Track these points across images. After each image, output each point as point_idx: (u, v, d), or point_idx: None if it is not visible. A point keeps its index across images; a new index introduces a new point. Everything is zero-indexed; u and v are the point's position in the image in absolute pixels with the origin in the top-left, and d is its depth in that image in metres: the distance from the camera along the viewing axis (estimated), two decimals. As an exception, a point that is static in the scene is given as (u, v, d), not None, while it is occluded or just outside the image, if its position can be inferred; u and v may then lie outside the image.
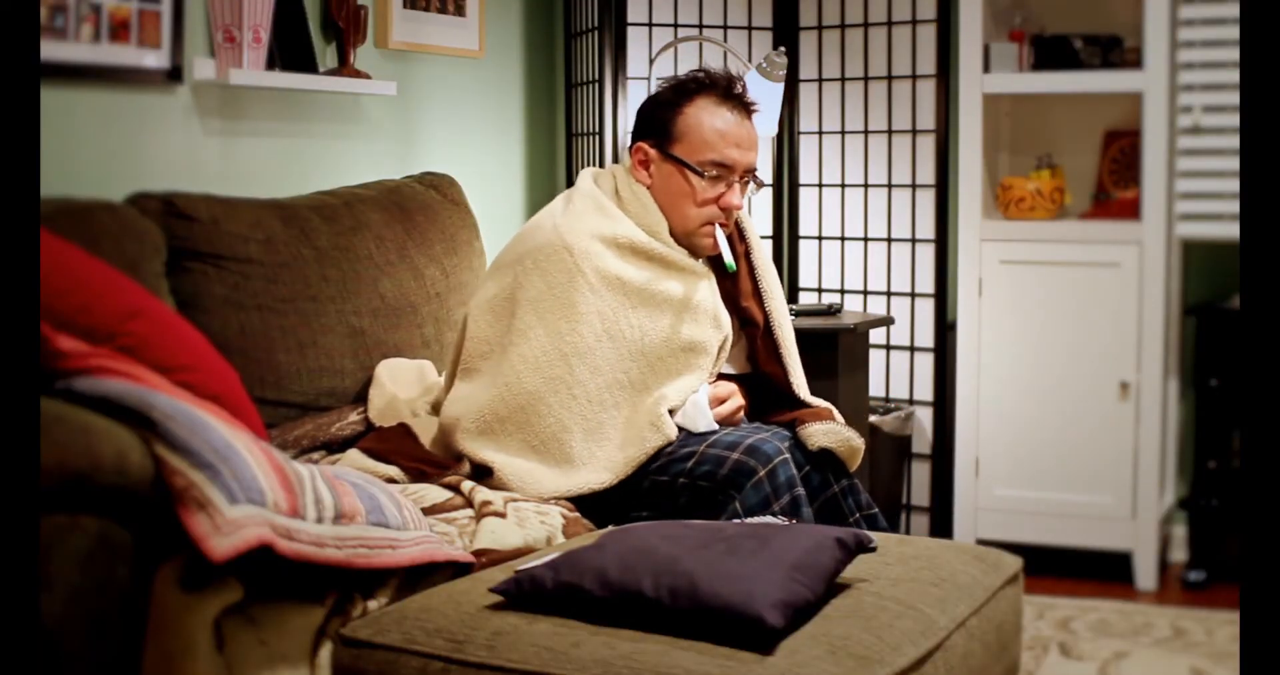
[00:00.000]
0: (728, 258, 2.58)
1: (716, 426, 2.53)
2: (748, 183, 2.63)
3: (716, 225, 2.59)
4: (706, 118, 2.58)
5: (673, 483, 2.43)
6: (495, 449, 2.47)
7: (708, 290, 2.61)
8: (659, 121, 2.62)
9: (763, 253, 2.75)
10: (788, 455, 2.39)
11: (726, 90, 2.61)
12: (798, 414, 2.61)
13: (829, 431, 2.52)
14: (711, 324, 2.59)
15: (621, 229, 2.56)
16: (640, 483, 2.46)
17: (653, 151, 2.61)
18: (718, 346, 2.60)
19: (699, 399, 2.53)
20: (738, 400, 2.62)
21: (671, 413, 2.51)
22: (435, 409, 2.69)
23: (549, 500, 2.42)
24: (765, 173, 4.17)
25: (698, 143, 2.57)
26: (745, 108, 2.62)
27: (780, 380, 2.70)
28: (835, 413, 2.64)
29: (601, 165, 3.79)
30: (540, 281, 2.52)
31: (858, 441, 2.55)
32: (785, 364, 2.69)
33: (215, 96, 2.98)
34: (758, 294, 2.71)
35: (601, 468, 2.46)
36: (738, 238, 2.73)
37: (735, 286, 2.71)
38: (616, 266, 2.53)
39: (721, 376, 2.72)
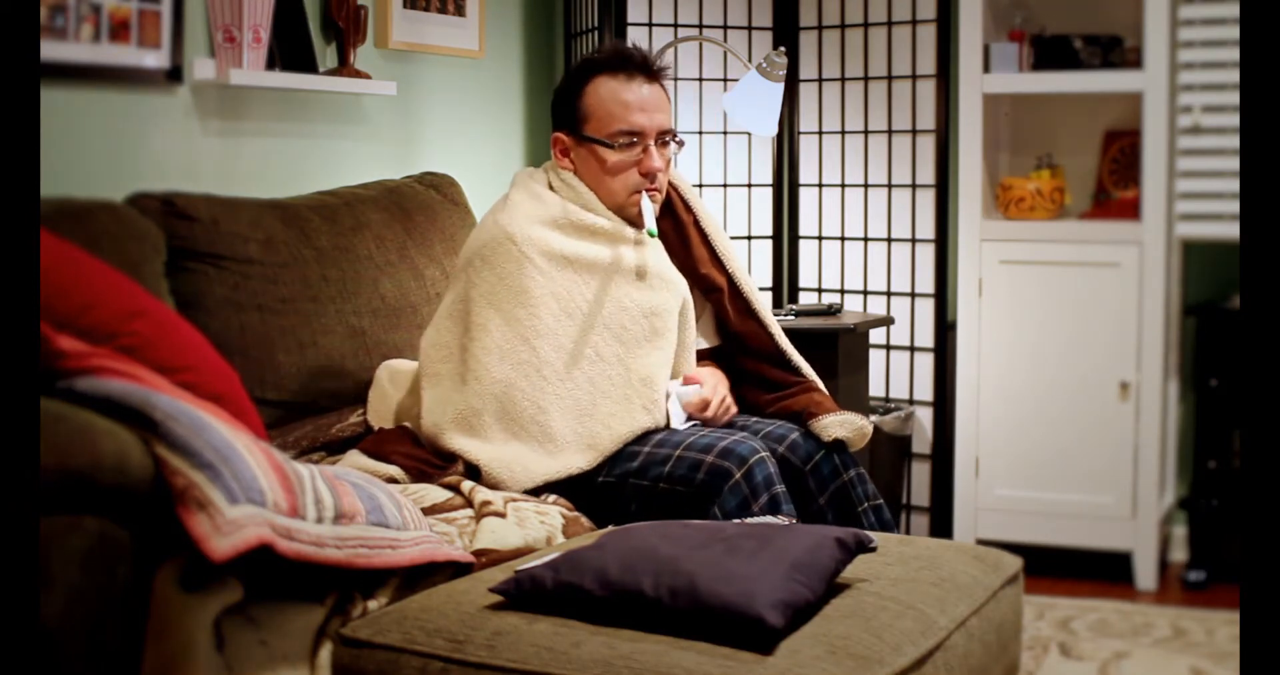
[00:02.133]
0: (649, 224, 2.59)
1: (694, 421, 2.57)
2: (667, 144, 2.64)
3: (644, 194, 2.61)
4: (606, 92, 2.60)
5: (653, 487, 2.43)
6: (479, 443, 2.48)
7: (655, 255, 2.64)
8: (566, 108, 2.65)
9: (711, 217, 2.79)
10: (764, 454, 2.39)
11: (620, 62, 2.62)
12: (805, 405, 2.63)
13: (844, 422, 2.59)
14: (665, 287, 2.61)
15: (558, 209, 2.59)
16: (623, 487, 2.46)
17: (568, 139, 2.65)
18: (677, 309, 2.62)
19: (674, 408, 2.55)
20: (726, 402, 2.64)
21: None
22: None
23: (545, 497, 2.42)
24: (765, 173, 4.18)
25: (604, 117, 2.60)
26: (646, 72, 2.63)
27: (757, 337, 2.73)
28: (820, 384, 2.71)
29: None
30: (490, 275, 2.54)
31: (868, 428, 2.63)
32: (761, 319, 2.73)
33: (215, 96, 2.98)
34: (715, 258, 2.75)
35: (585, 446, 2.47)
36: (682, 207, 2.77)
37: (691, 254, 2.74)
38: (561, 244, 2.56)
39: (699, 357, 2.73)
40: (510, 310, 2.52)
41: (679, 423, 2.55)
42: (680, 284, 2.65)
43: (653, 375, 2.53)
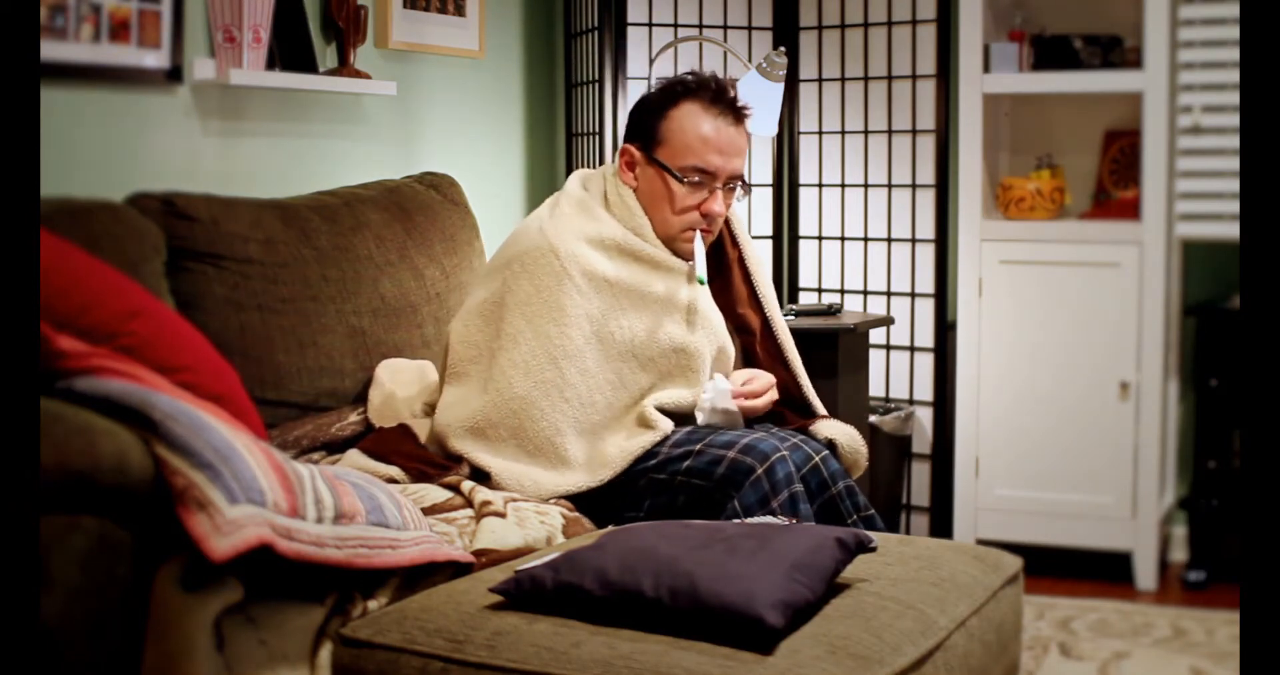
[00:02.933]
0: (700, 271, 2.56)
1: (733, 408, 2.53)
2: (733, 189, 2.61)
3: (698, 233, 2.58)
4: (690, 123, 2.57)
5: (670, 481, 2.43)
6: (490, 453, 2.48)
7: (700, 294, 2.61)
8: (645, 124, 2.61)
9: (757, 257, 2.75)
10: (785, 453, 2.39)
11: (715, 95, 2.58)
12: (809, 422, 2.64)
13: (847, 433, 2.58)
14: (703, 326, 2.58)
15: (607, 230, 2.56)
16: (637, 481, 2.46)
17: (638, 154, 2.61)
18: (709, 348, 2.59)
19: (722, 385, 2.53)
20: (773, 394, 2.62)
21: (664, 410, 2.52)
22: (433, 411, 2.70)
23: (548, 499, 2.42)
24: (765, 173, 4.17)
25: (680, 148, 2.56)
26: (734, 112, 2.60)
27: (784, 384, 2.70)
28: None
29: (601, 165, 3.79)
30: (528, 285, 2.52)
31: (864, 459, 2.61)
32: (792, 369, 2.71)
33: (215, 96, 2.98)
34: (754, 299, 2.71)
35: (597, 465, 2.47)
36: (730, 242, 2.73)
37: (730, 292, 2.71)
38: (603, 267, 2.53)
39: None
40: (542, 326, 2.50)
41: (723, 404, 2.52)
42: (719, 326, 2.62)
43: (662, 398, 2.51)
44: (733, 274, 2.72)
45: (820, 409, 2.72)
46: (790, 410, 2.71)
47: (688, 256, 2.60)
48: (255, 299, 2.65)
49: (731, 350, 2.63)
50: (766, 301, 2.72)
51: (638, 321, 2.53)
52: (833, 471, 2.48)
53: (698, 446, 2.43)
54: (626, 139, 2.65)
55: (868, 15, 4.05)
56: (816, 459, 2.47)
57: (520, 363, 2.49)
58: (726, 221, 2.71)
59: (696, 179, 2.56)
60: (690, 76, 2.63)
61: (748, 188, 2.66)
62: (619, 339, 2.52)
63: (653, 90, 2.66)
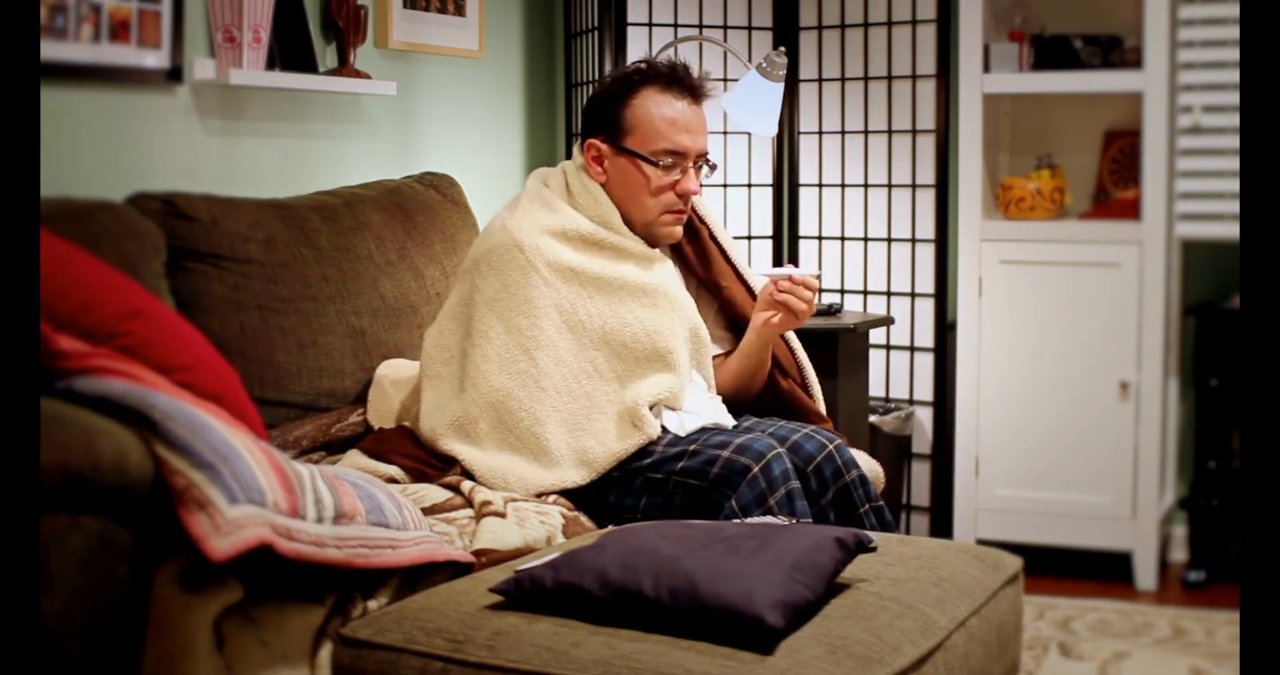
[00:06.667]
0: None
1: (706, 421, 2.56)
2: (700, 168, 2.64)
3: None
4: (654, 107, 2.59)
5: (666, 481, 2.43)
6: (475, 449, 2.48)
7: (665, 275, 2.63)
8: (607, 116, 2.62)
9: (725, 231, 2.80)
10: (781, 450, 2.40)
11: (670, 78, 2.61)
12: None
13: (867, 464, 2.65)
14: (672, 308, 2.60)
15: (570, 221, 2.58)
16: (633, 480, 2.46)
17: (605, 147, 2.62)
18: (684, 331, 2.61)
19: (687, 420, 2.56)
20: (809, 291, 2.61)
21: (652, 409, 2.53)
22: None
23: (547, 499, 2.42)
24: (765, 173, 4.18)
25: (649, 133, 2.58)
26: (692, 93, 2.62)
27: (785, 356, 2.76)
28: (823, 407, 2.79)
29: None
30: (495, 281, 2.53)
31: (881, 482, 2.72)
32: (788, 338, 2.77)
33: (215, 96, 2.98)
34: (736, 273, 2.76)
35: (579, 462, 2.47)
36: (697, 220, 2.77)
37: (712, 268, 2.75)
38: (569, 257, 2.55)
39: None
40: (512, 319, 2.51)
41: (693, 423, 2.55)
42: (689, 307, 2.64)
43: (650, 395, 2.52)
44: (709, 250, 2.76)
45: (815, 390, 2.79)
46: (798, 387, 2.76)
47: (668, 239, 2.64)
48: (255, 299, 2.65)
49: (705, 333, 2.65)
50: (746, 273, 2.76)
51: (607, 308, 2.54)
52: (845, 460, 2.51)
53: (692, 446, 2.44)
54: (589, 134, 2.66)
55: (868, 15, 4.05)
56: (830, 447, 2.50)
57: (494, 356, 2.50)
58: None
59: (670, 161, 2.59)
60: (644, 64, 2.66)
61: (713, 165, 2.68)
62: (589, 327, 2.53)
63: (608, 82, 2.69)
